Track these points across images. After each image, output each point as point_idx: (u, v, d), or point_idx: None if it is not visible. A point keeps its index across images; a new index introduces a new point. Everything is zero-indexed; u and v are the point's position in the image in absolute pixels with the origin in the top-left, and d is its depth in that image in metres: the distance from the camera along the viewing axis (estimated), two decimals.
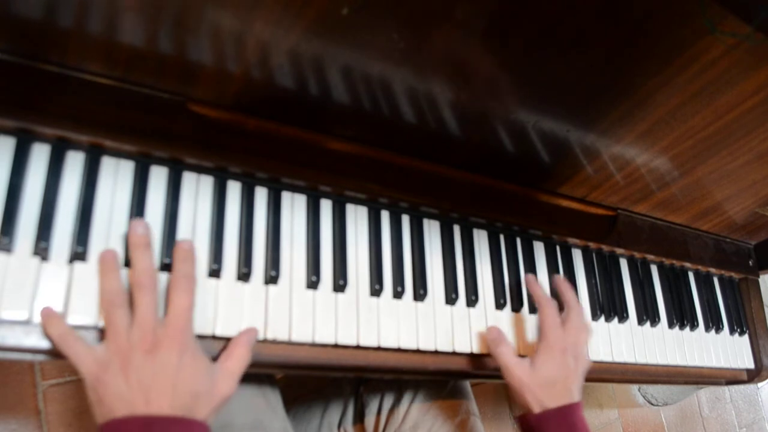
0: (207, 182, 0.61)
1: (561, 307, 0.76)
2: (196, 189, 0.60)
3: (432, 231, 0.75)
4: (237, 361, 0.54)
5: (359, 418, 0.83)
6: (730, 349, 1.04)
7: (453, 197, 0.75)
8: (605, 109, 0.68)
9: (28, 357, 0.50)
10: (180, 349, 0.49)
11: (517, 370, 0.67)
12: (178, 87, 0.57)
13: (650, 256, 0.96)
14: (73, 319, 0.50)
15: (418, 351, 0.69)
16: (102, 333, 0.51)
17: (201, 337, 0.55)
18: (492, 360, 0.70)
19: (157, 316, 0.50)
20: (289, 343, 0.60)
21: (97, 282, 0.52)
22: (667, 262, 0.99)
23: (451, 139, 0.70)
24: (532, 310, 0.80)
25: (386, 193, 0.70)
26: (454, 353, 0.71)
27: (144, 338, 0.48)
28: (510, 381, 0.68)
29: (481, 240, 0.79)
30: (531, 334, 0.78)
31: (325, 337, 0.62)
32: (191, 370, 0.49)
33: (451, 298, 0.72)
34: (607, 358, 0.85)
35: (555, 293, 0.79)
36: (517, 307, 0.78)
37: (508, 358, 0.68)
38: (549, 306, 0.72)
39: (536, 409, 0.66)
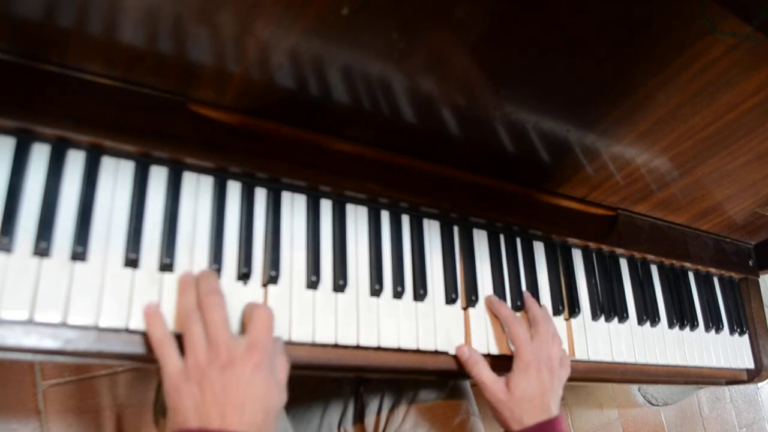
0: (207, 182, 0.61)
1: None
2: (196, 189, 0.60)
3: (432, 231, 0.75)
4: (284, 372, 0.55)
5: (359, 418, 0.83)
6: (730, 349, 1.04)
7: (453, 197, 0.75)
8: (605, 109, 0.68)
9: (28, 357, 0.50)
10: (254, 365, 0.50)
11: (493, 388, 0.68)
12: (178, 87, 0.57)
13: (650, 256, 0.96)
14: (73, 320, 0.50)
15: (418, 351, 0.69)
16: (103, 333, 0.51)
17: None
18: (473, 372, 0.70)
19: (229, 330, 0.52)
20: (289, 343, 0.60)
21: (97, 282, 0.52)
22: (667, 262, 0.99)
23: (451, 139, 0.70)
24: None
25: (386, 193, 0.70)
26: (453, 353, 0.71)
27: (218, 354, 0.50)
28: (487, 398, 0.69)
29: (481, 240, 0.79)
30: None
31: (325, 337, 0.62)
32: (264, 387, 0.51)
33: (450, 298, 0.72)
34: (607, 358, 0.85)
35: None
36: (516, 307, 0.78)
37: (484, 376, 0.69)
38: (516, 324, 0.72)
39: (515, 426, 0.67)
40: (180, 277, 0.55)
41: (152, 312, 0.53)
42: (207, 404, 0.48)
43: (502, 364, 0.72)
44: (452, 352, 0.71)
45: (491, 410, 0.70)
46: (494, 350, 0.73)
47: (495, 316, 0.75)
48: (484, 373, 0.69)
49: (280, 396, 0.53)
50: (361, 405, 0.83)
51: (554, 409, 0.68)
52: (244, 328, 0.55)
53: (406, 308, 0.69)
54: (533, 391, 0.67)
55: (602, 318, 0.87)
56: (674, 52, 0.60)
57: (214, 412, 0.48)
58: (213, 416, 0.48)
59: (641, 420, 1.77)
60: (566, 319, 0.83)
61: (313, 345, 0.62)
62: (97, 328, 0.51)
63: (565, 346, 0.80)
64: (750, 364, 1.07)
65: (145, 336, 0.53)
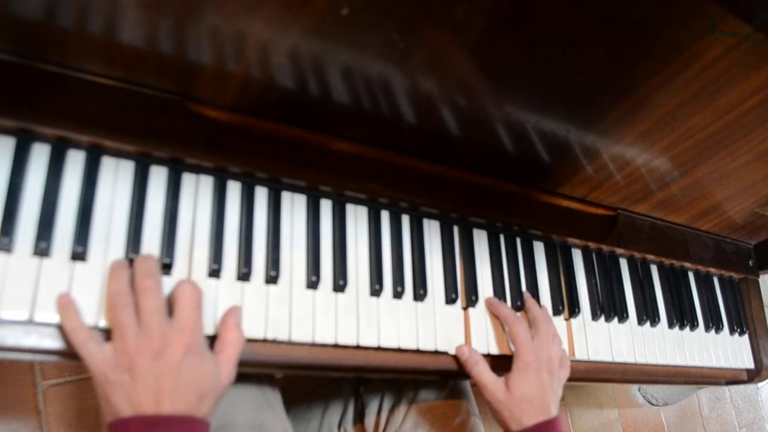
0: (207, 182, 0.61)
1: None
2: (196, 189, 0.60)
3: (432, 231, 0.75)
4: (233, 347, 0.54)
5: (359, 418, 0.83)
6: (730, 349, 1.04)
7: (453, 197, 0.75)
8: (605, 109, 0.68)
9: (28, 357, 0.50)
10: (186, 350, 0.49)
11: (493, 388, 0.68)
12: (178, 87, 0.57)
13: (650, 256, 0.96)
14: None
15: (418, 351, 0.69)
16: (105, 333, 0.51)
17: None
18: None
19: (164, 317, 0.50)
20: (289, 343, 0.60)
21: (97, 281, 0.52)
22: (667, 262, 0.99)
23: (451, 139, 0.70)
24: None
25: (386, 193, 0.70)
26: (453, 353, 0.71)
27: (150, 340, 0.48)
28: (487, 398, 0.69)
29: (481, 240, 0.79)
30: None
31: (325, 337, 0.62)
32: (197, 370, 0.50)
33: (450, 298, 0.72)
34: (607, 358, 0.85)
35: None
36: (517, 308, 0.78)
37: (483, 377, 0.68)
38: (517, 324, 0.72)
39: (514, 427, 0.67)
40: (114, 261, 0.53)
41: (64, 302, 0.50)
42: (138, 392, 0.47)
43: (502, 364, 0.72)
44: (452, 352, 0.71)
45: (491, 410, 0.70)
46: (494, 350, 0.73)
47: (495, 316, 0.75)
48: (483, 373, 0.69)
49: (226, 373, 0.52)
50: (361, 405, 0.83)
51: (554, 410, 0.68)
52: (171, 308, 0.52)
53: (406, 308, 0.69)
54: (532, 392, 0.67)
55: (602, 318, 0.87)
56: (674, 52, 0.60)
57: (146, 399, 0.47)
58: (145, 403, 0.47)
59: (641, 420, 1.77)
60: (566, 319, 0.83)
61: (313, 345, 0.62)
62: (96, 329, 0.51)
63: (565, 346, 0.80)
64: (750, 364, 1.07)
65: None
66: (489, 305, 0.75)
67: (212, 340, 0.55)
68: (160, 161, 0.58)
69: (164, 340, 0.49)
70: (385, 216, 0.72)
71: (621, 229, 0.91)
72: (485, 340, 0.73)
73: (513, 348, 0.72)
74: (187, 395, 0.48)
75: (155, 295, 0.50)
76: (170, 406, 0.47)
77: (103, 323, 0.51)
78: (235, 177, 0.62)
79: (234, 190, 0.62)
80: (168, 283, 0.55)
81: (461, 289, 0.74)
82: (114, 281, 0.51)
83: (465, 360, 0.70)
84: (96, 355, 0.48)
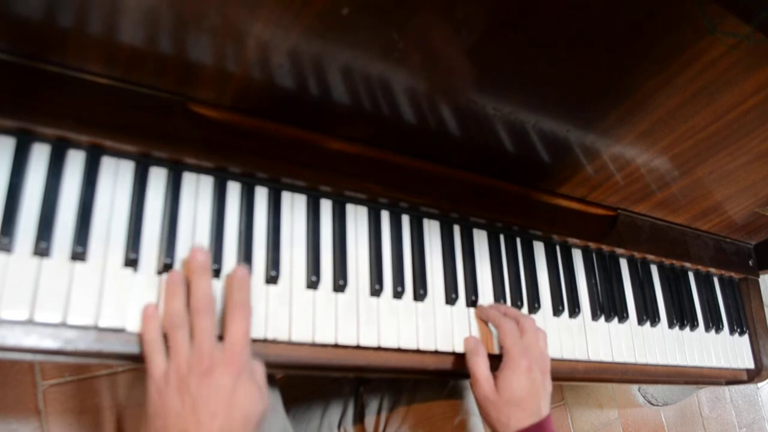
0: (207, 182, 0.61)
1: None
2: (196, 189, 0.60)
3: (432, 231, 0.75)
4: (262, 375, 0.55)
5: (359, 418, 0.83)
6: (730, 349, 1.04)
7: (453, 197, 0.75)
8: (605, 109, 0.68)
9: (28, 357, 0.50)
10: (235, 374, 0.50)
11: (484, 385, 0.66)
12: (178, 87, 0.57)
13: (650, 256, 0.96)
14: (73, 320, 0.50)
15: (418, 351, 0.69)
16: (103, 333, 0.51)
17: None
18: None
19: (215, 340, 0.52)
20: (289, 343, 0.60)
21: (96, 281, 0.52)
22: (667, 262, 0.99)
23: (451, 139, 0.70)
24: (531, 310, 0.80)
25: (386, 193, 0.70)
26: (454, 353, 0.71)
27: (201, 362, 0.50)
28: (476, 394, 0.67)
29: (481, 240, 0.79)
30: None
31: (325, 337, 0.62)
32: (244, 395, 0.51)
33: (451, 298, 0.72)
34: (607, 358, 0.85)
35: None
36: (516, 307, 0.78)
37: (478, 370, 0.67)
38: (506, 323, 0.70)
39: (502, 429, 0.65)
40: (169, 275, 0.54)
41: (150, 314, 0.52)
42: (186, 412, 0.48)
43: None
44: (452, 351, 0.70)
45: (479, 408, 0.68)
46: (495, 350, 0.73)
47: (485, 322, 0.74)
48: (480, 366, 0.68)
49: (262, 401, 0.53)
50: (361, 405, 0.83)
51: (544, 410, 0.67)
52: (222, 328, 0.53)
53: (406, 308, 0.69)
54: (523, 393, 0.65)
55: (602, 318, 0.87)
56: (674, 52, 0.60)
57: (192, 421, 0.48)
58: (192, 424, 0.48)
59: (641, 420, 1.77)
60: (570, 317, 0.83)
61: (313, 345, 0.62)
62: (96, 328, 0.51)
63: (565, 345, 0.80)
64: (750, 364, 1.07)
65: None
66: (477, 313, 0.74)
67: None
68: (160, 161, 0.58)
69: (213, 360, 0.50)
70: (385, 216, 0.72)
71: (621, 229, 0.91)
72: (485, 340, 0.73)
73: (502, 347, 0.70)
74: (235, 422, 0.49)
75: (209, 317, 0.52)
76: (215, 428, 0.48)
77: (103, 323, 0.51)
78: (235, 177, 0.62)
79: (234, 190, 0.62)
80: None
81: (461, 290, 0.74)
82: (171, 301, 0.53)
83: (469, 349, 0.69)
84: (160, 367, 0.50)
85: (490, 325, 0.74)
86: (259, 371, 0.54)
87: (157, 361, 0.51)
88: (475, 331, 0.73)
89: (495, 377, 0.67)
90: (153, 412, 0.50)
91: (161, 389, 0.49)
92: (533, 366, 0.67)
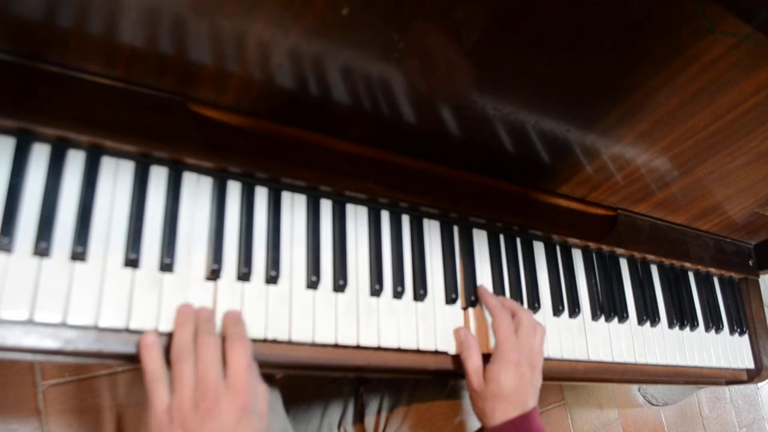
0: (207, 182, 0.61)
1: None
2: (197, 189, 0.60)
3: (432, 231, 0.75)
4: (265, 401, 0.54)
5: (359, 418, 0.83)
6: (730, 349, 1.04)
7: (453, 197, 0.75)
8: (605, 109, 0.68)
9: (28, 357, 0.50)
10: (239, 410, 0.50)
11: (473, 377, 0.67)
12: (178, 87, 0.57)
13: (650, 256, 0.96)
14: (73, 320, 0.50)
15: (418, 351, 0.69)
16: (103, 333, 0.51)
17: None
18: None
19: (220, 372, 0.51)
20: (289, 343, 0.60)
21: (96, 282, 0.52)
22: (667, 262, 0.99)
23: (451, 139, 0.70)
24: (530, 309, 0.80)
25: (386, 193, 0.70)
26: (454, 353, 0.71)
27: (205, 397, 0.49)
28: (468, 386, 0.68)
29: (480, 240, 0.79)
30: None
31: (325, 337, 0.62)
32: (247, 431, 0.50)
33: (450, 298, 0.72)
34: (607, 358, 0.85)
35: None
36: None
37: (469, 363, 0.68)
38: (502, 315, 0.70)
39: (487, 422, 0.65)
40: (180, 307, 0.54)
41: (150, 342, 0.52)
42: None
43: None
44: (452, 351, 0.71)
45: (470, 400, 0.69)
46: (492, 347, 0.73)
47: (483, 320, 0.74)
48: (471, 359, 0.68)
49: (262, 430, 0.53)
50: (361, 405, 0.83)
51: (531, 403, 0.66)
52: (223, 363, 0.53)
53: (406, 308, 0.69)
54: (510, 387, 0.65)
55: (602, 318, 0.87)
56: (674, 52, 0.60)
57: None
58: None
59: (641, 420, 1.77)
60: (570, 317, 0.83)
61: (313, 345, 0.62)
62: (96, 328, 0.51)
63: (565, 345, 0.80)
64: (750, 364, 1.07)
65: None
66: (478, 293, 0.74)
67: None
68: (160, 161, 0.58)
69: (217, 396, 0.50)
70: (385, 216, 0.72)
71: (621, 229, 0.91)
72: (485, 340, 0.73)
73: (494, 338, 0.70)
74: None
75: (215, 350, 0.52)
76: None
77: (103, 323, 0.51)
78: (235, 177, 0.62)
79: (234, 190, 0.62)
80: (169, 281, 0.55)
81: (461, 289, 0.74)
82: (179, 333, 0.53)
83: (460, 342, 0.70)
84: (162, 399, 0.50)
85: (488, 323, 0.74)
86: (263, 396, 0.54)
87: (160, 393, 0.50)
88: (474, 330, 0.73)
89: (485, 369, 0.67)
90: None
91: (163, 424, 0.49)
92: (522, 360, 0.67)
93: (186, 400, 0.49)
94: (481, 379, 0.66)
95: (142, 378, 0.51)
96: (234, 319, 0.56)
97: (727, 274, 1.09)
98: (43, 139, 0.53)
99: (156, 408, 0.50)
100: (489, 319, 0.75)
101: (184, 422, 0.49)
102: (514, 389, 0.65)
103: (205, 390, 0.49)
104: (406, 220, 0.73)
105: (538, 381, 0.69)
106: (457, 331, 0.71)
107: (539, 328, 0.72)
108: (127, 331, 0.52)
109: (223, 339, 0.54)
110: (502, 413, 0.64)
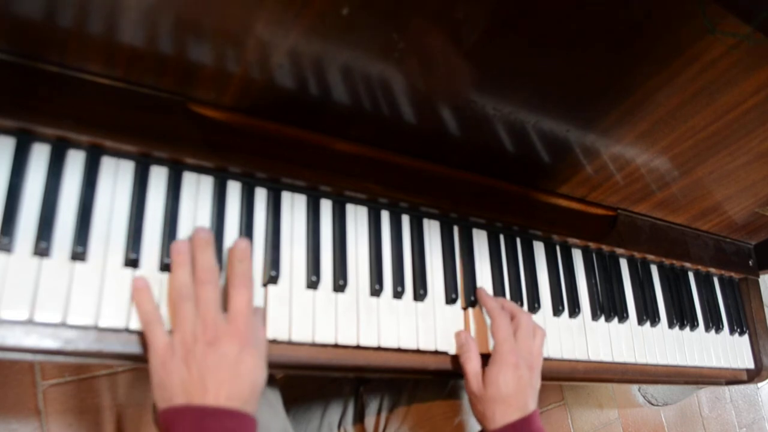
0: (207, 182, 0.61)
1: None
2: (197, 189, 0.60)
3: (432, 231, 0.75)
4: (264, 343, 0.55)
5: (359, 418, 0.83)
6: (730, 349, 1.04)
7: (453, 197, 0.75)
8: (605, 109, 0.68)
9: (28, 357, 0.50)
10: (241, 343, 0.51)
11: (473, 380, 0.67)
12: (178, 87, 0.57)
13: (650, 256, 0.96)
14: (73, 320, 0.50)
15: (418, 351, 0.69)
16: (103, 333, 0.51)
17: None
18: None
19: (220, 310, 0.52)
20: (289, 343, 0.60)
21: (96, 281, 0.52)
22: (667, 262, 0.99)
23: (451, 139, 0.70)
24: (531, 310, 0.80)
25: (386, 193, 0.70)
26: (454, 353, 0.71)
27: (206, 331, 0.50)
28: (467, 388, 0.68)
29: (480, 240, 0.79)
30: None
31: (325, 337, 0.62)
32: (251, 364, 0.51)
33: (450, 298, 0.72)
34: (607, 358, 0.85)
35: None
36: None
37: (468, 366, 0.68)
38: (501, 317, 0.70)
39: (487, 425, 0.65)
40: (173, 245, 0.55)
41: (141, 286, 0.53)
42: (194, 381, 0.49)
43: None
44: (452, 352, 0.71)
45: (470, 403, 0.69)
46: (491, 349, 0.73)
47: (483, 321, 0.74)
48: (470, 362, 0.68)
49: (264, 369, 0.53)
50: (361, 405, 0.83)
51: (531, 406, 0.66)
52: (225, 300, 0.54)
53: (406, 308, 0.69)
54: (509, 389, 0.65)
55: (602, 318, 0.87)
56: (674, 52, 0.60)
57: (200, 389, 0.48)
58: (199, 392, 0.48)
59: (641, 420, 1.77)
60: (571, 317, 0.83)
61: (313, 345, 0.62)
62: (96, 328, 0.51)
63: (565, 345, 0.80)
64: (750, 364, 1.07)
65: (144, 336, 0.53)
66: (477, 295, 0.74)
67: None
68: (160, 161, 0.58)
69: (218, 330, 0.51)
70: (385, 216, 0.72)
71: (621, 229, 0.91)
72: (485, 340, 0.73)
73: (493, 340, 0.70)
74: (242, 391, 0.50)
75: (214, 288, 0.53)
76: (225, 400, 0.49)
77: (103, 323, 0.51)
78: (235, 177, 0.62)
79: (234, 190, 0.62)
80: (168, 281, 0.55)
81: (461, 289, 0.74)
82: (177, 271, 0.53)
83: (459, 345, 0.70)
84: (160, 338, 0.51)
85: (488, 324, 0.74)
86: (263, 342, 0.55)
87: (158, 333, 0.51)
88: (474, 331, 0.73)
89: (483, 373, 0.67)
90: (158, 383, 0.50)
91: (166, 360, 0.50)
92: (521, 363, 0.67)
93: (187, 335, 0.50)
94: (481, 382, 0.66)
95: (142, 378, 0.51)
96: (241, 255, 0.56)
97: (727, 274, 1.09)
98: (43, 139, 0.53)
99: (156, 347, 0.50)
100: (489, 319, 0.75)
101: (187, 355, 0.49)
102: (513, 392, 0.65)
103: (206, 325, 0.51)
104: (406, 220, 0.73)
105: (537, 383, 0.69)
106: (457, 335, 0.71)
107: (539, 331, 0.72)
108: (127, 331, 0.52)
109: (227, 279, 0.55)
110: (502, 416, 0.64)
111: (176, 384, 0.49)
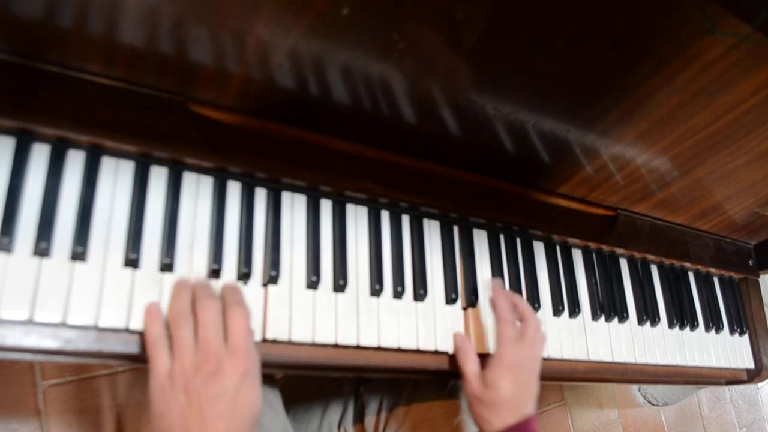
0: (207, 182, 0.61)
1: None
2: (197, 189, 0.60)
3: (432, 231, 0.75)
4: (260, 369, 0.54)
5: (359, 418, 0.83)
6: (730, 349, 1.04)
7: (453, 197, 0.75)
8: (605, 109, 0.68)
9: (28, 357, 0.50)
10: (241, 374, 0.50)
11: (471, 382, 0.67)
12: (178, 87, 0.57)
13: (650, 256, 0.96)
14: (73, 320, 0.50)
15: (418, 351, 0.69)
16: (103, 333, 0.51)
17: None
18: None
19: (221, 336, 0.51)
20: (289, 343, 0.60)
21: (96, 282, 0.52)
22: (667, 262, 0.99)
23: (451, 139, 0.70)
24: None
25: (386, 193, 0.70)
26: (454, 353, 0.71)
27: (207, 361, 0.49)
28: (465, 390, 0.68)
29: (481, 240, 0.79)
30: None
31: (325, 337, 0.62)
32: (251, 396, 0.50)
33: (451, 298, 0.72)
34: (607, 358, 0.85)
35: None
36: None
37: (467, 368, 0.68)
38: (507, 322, 0.69)
39: (488, 428, 0.65)
40: (177, 279, 0.55)
41: (153, 311, 0.52)
42: (193, 414, 0.48)
43: None
44: (452, 352, 0.71)
45: (468, 405, 0.69)
46: (494, 350, 0.73)
47: (482, 322, 0.74)
48: (469, 364, 0.68)
49: (260, 394, 0.53)
50: (361, 405, 0.83)
51: (530, 409, 0.66)
52: (223, 329, 0.53)
53: (406, 308, 0.69)
54: (508, 393, 0.65)
55: (602, 318, 0.87)
56: (674, 52, 0.60)
57: (198, 422, 0.48)
58: (195, 424, 0.48)
59: (641, 420, 1.77)
60: (571, 317, 0.83)
61: (313, 345, 0.62)
62: (96, 328, 0.51)
63: (565, 345, 0.80)
64: (750, 364, 1.07)
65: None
66: (492, 288, 0.73)
67: None
68: (160, 161, 0.58)
69: (219, 360, 0.49)
70: (385, 216, 0.72)
71: (621, 229, 0.91)
72: (485, 340, 0.73)
73: (496, 342, 0.70)
74: (239, 420, 0.49)
75: (215, 313, 0.51)
76: (221, 429, 0.48)
77: (103, 323, 0.51)
78: (235, 177, 0.62)
79: (234, 190, 0.62)
80: (169, 281, 0.55)
81: (461, 289, 0.74)
82: (177, 300, 0.53)
83: (457, 347, 0.70)
84: (163, 362, 0.50)
85: (487, 324, 0.74)
86: (257, 357, 0.54)
87: (161, 358, 0.50)
88: (474, 331, 0.73)
89: (483, 375, 0.67)
90: (157, 412, 0.49)
91: (165, 389, 0.49)
92: (520, 366, 0.67)
93: (188, 364, 0.49)
94: (480, 385, 0.66)
95: (142, 378, 0.51)
96: (231, 288, 0.55)
97: (727, 274, 1.09)
98: (43, 139, 0.53)
99: (157, 373, 0.49)
100: (489, 319, 0.75)
101: (187, 386, 0.48)
102: (512, 395, 0.65)
103: (207, 353, 0.49)
104: (406, 220, 0.73)
105: (536, 387, 0.69)
106: (455, 336, 0.71)
107: (541, 340, 0.72)
108: (127, 331, 0.52)
109: (222, 299, 0.54)
110: (500, 419, 0.64)
111: (175, 416, 0.48)
